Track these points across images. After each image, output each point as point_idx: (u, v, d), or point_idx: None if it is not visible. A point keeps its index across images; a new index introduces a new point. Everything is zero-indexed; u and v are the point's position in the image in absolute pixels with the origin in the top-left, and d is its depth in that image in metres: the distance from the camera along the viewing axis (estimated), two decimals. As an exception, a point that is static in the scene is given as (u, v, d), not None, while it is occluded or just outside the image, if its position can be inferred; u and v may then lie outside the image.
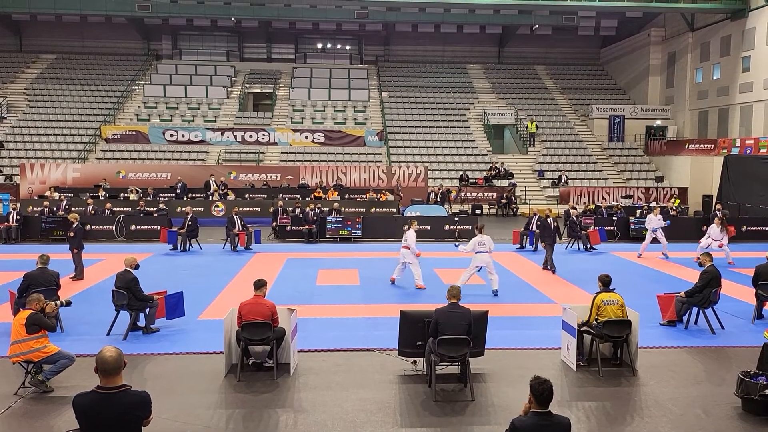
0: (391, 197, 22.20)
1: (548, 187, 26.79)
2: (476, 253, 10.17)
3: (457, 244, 10.63)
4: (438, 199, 23.04)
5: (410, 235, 10.78)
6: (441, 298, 8.01)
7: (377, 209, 21.27)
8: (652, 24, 32.42)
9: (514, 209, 24.63)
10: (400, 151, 28.87)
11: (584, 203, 23.43)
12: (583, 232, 15.69)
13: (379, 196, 22.37)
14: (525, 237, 15.78)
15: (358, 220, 17.23)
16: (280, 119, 30.58)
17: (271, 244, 16.57)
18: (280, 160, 27.52)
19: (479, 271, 10.31)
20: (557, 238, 12.62)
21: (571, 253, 14.76)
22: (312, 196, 21.72)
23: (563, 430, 3.43)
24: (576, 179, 27.27)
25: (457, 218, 18.04)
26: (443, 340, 5.91)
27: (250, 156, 27.66)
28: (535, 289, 10.94)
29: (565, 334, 6.86)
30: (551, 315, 8.88)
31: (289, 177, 24.46)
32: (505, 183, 26.59)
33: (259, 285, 6.65)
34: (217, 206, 20.87)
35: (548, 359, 7.03)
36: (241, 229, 15.34)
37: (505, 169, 27.22)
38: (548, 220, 12.57)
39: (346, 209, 20.91)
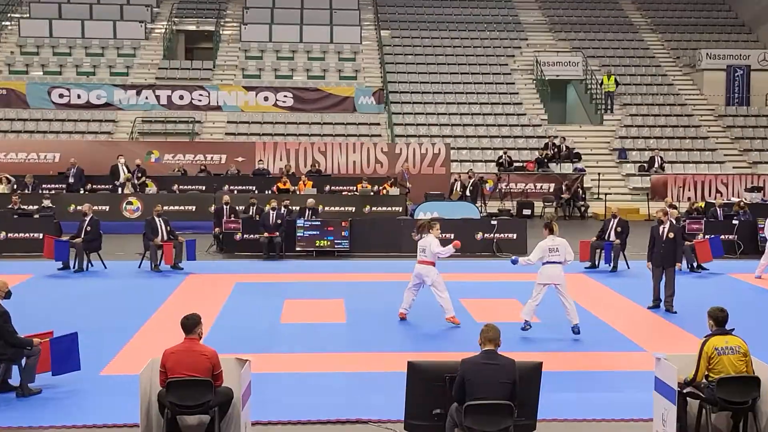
0: (394, 190, 22.22)
1: (633, 175, 26.89)
2: (545, 264, 10.13)
3: (514, 258, 10.57)
4: (466, 194, 23.14)
5: (432, 241, 10.77)
6: (471, 344, 7.96)
7: (373, 208, 21.34)
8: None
9: (582, 208, 24.72)
10: (408, 119, 29.00)
11: (689, 199, 23.43)
12: (687, 243, 15.71)
13: (376, 188, 22.44)
14: (599, 251, 15.85)
15: (344, 224, 17.29)
16: (227, 72, 30.73)
17: (213, 261, 16.63)
18: (226, 134, 27.69)
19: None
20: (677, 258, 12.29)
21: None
22: (275, 188, 21.78)
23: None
24: (676, 162, 27.42)
25: (494, 222, 18.12)
26: (473, 407, 5.88)
27: (181, 128, 27.79)
28: (615, 330, 10.97)
29: (660, 398, 6.84)
30: (639, 369, 8.88)
31: (240, 159, 24.57)
32: (568, 168, 26.67)
33: (193, 324, 6.63)
34: (130, 204, 20.93)
35: (635, 437, 7.11)
36: (166, 238, 15.38)
37: (567, 147, 27.33)
38: (663, 227, 12.05)
39: (327, 208, 20.99)
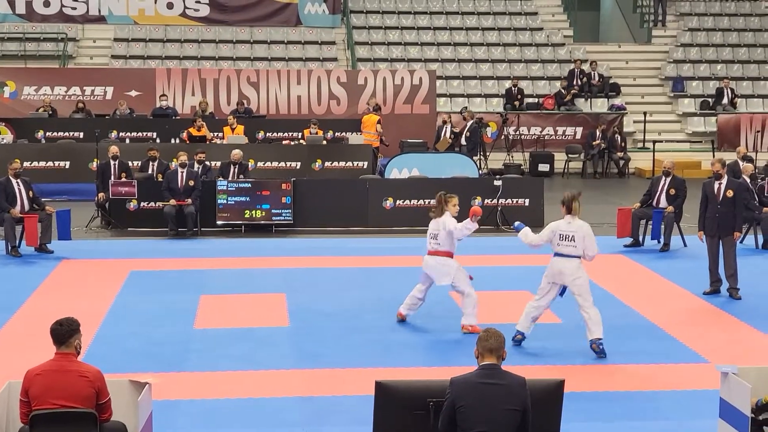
0: (357, 137, 22.15)
1: (693, 115, 27.07)
2: (554, 256, 10.23)
3: (518, 224, 10.67)
4: (461, 142, 23.14)
5: (446, 221, 10.80)
6: (462, 357, 7.93)
7: (327, 164, 21.37)
8: None
9: (621, 162, 24.87)
10: (375, 37, 28.93)
11: (770, 150, 23.78)
12: (765, 210, 15.92)
13: (330, 134, 22.28)
14: (644, 222, 15.98)
15: (285, 187, 17.32)
16: (113, -34, 30.22)
17: (97, 240, 16.57)
18: (113, 57, 27.42)
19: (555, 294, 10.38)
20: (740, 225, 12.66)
21: (743, 255, 14.96)
22: (185, 135, 21.69)
23: None
24: (753, 97, 27.71)
25: (498, 182, 18.22)
26: (468, 447, 5.94)
27: (47, 48, 27.45)
28: (665, 332, 11.08)
29: (726, 428, 6.97)
30: (698, 388, 8.98)
31: (134, 93, 24.39)
32: (601, 106, 26.73)
33: (67, 333, 6.52)
34: (-26, 159, 20.67)
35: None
36: (28, 208, 15.28)
37: (601, 76, 27.39)
38: (720, 183, 12.39)
39: (261, 164, 20.95)
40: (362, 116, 23.00)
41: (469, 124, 23.31)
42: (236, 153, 18.18)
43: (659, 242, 15.73)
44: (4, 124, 22.34)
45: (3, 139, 21.69)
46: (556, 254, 10.12)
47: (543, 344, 10.51)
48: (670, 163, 16.34)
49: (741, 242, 15.18)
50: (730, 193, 12.32)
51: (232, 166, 17.92)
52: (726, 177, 12.54)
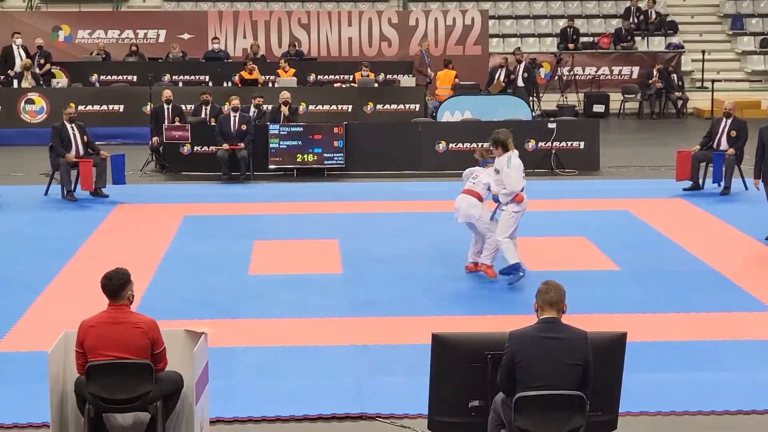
0: (409, 80, 21.97)
1: (752, 53, 26.58)
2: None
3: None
4: (518, 84, 22.99)
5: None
6: (526, 307, 7.80)
7: (379, 107, 21.27)
8: None
9: (680, 102, 24.54)
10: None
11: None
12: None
13: (381, 76, 22.17)
14: (704, 164, 15.78)
15: (336, 131, 17.26)
16: None
17: (151, 184, 16.64)
18: (164, 0, 27.32)
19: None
20: None
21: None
22: (237, 78, 21.73)
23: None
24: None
25: (553, 124, 17.99)
26: (528, 400, 5.85)
27: (100, -9, 27.45)
28: (731, 282, 10.87)
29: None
30: (762, 338, 8.95)
31: (186, 36, 24.44)
32: (658, 45, 26.24)
33: (118, 285, 6.50)
34: (30, 102, 20.86)
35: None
36: (83, 153, 15.34)
37: (658, 13, 26.95)
38: None
39: (312, 107, 20.92)
40: (437, 72, 22.75)
41: (521, 65, 23.17)
42: (285, 94, 18.15)
43: (720, 185, 15.51)
44: (59, 67, 22.55)
45: (58, 83, 21.95)
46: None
47: (601, 292, 10.39)
48: (731, 105, 16.11)
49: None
50: None
51: (284, 110, 17.87)
52: None
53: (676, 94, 24.44)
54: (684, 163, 15.70)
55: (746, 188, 15.33)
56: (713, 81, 24.30)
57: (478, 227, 10.74)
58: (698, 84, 25.53)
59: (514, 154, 10.44)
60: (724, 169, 15.37)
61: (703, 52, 25.78)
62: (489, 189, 10.64)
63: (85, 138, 15.44)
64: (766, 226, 12.66)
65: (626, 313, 9.71)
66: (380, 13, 25.38)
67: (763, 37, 26.65)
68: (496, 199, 10.47)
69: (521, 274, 10.38)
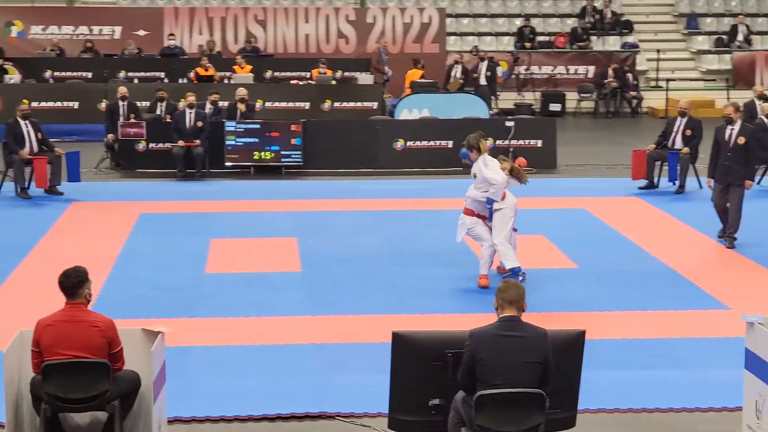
0: (367, 77, 22.00)
1: (707, 52, 26.78)
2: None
3: (463, 151, 10.98)
4: (480, 82, 23.06)
5: (492, 165, 10.56)
6: (483, 305, 7.84)
7: (336, 105, 21.22)
8: None
9: (635, 102, 24.70)
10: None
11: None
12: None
13: (339, 74, 22.18)
14: (659, 163, 15.90)
15: (294, 128, 17.20)
16: None
17: (106, 182, 16.53)
18: (121, -5, 27.20)
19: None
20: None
21: (760, 197, 14.80)
22: (192, 75, 21.67)
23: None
24: (768, 35, 27.35)
25: (511, 122, 18.05)
26: (488, 398, 5.87)
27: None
28: (687, 280, 10.96)
29: (754, 380, 6.82)
30: (721, 335, 8.97)
31: (142, 33, 24.31)
32: (614, 44, 26.42)
33: (76, 283, 6.48)
34: (-19, 99, 20.62)
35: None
36: (37, 150, 15.25)
37: (614, 13, 27.15)
38: (732, 129, 12.16)
39: (269, 104, 20.81)
40: (407, 72, 22.61)
41: (477, 65, 23.29)
42: (241, 90, 18.10)
43: (674, 184, 15.62)
44: (11, 63, 22.31)
45: (11, 79, 21.71)
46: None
47: (560, 291, 10.45)
48: (686, 104, 16.18)
49: (758, 183, 15.08)
50: (741, 140, 12.03)
51: (240, 106, 17.80)
52: (739, 122, 12.21)
53: (631, 93, 24.63)
54: (639, 162, 15.81)
55: (701, 187, 15.44)
56: (668, 80, 24.49)
57: (471, 235, 10.78)
58: (653, 83, 25.71)
59: (486, 155, 10.59)
60: (678, 167, 15.48)
61: (658, 51, 25.91)
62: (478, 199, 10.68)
63: (39, 135, 15.33)
64: (719, 225, 12.71)
65: (585, 311, 9.76)
66: (337, 10, 25.32)
67: (717, 36, 26.89)
68: (489, 202, 10.47)
69: (521, 278, 10.33)
